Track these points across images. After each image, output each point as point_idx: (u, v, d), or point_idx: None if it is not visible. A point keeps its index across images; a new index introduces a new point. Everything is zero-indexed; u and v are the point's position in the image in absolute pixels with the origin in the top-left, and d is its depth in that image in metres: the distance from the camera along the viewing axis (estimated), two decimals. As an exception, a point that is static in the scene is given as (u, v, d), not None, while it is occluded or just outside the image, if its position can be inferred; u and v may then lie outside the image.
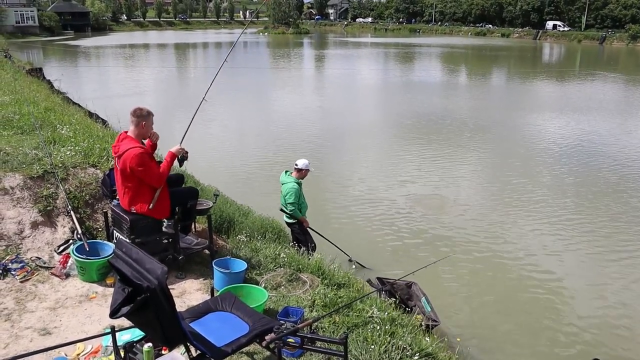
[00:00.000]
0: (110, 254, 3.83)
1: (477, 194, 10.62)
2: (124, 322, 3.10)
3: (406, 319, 4.40)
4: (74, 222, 4.91)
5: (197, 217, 5.21)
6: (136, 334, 3.30)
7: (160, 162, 4.50)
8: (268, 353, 3.44)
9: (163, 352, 3.09)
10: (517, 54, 51.76)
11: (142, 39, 67.04)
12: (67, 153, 5.84)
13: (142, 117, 4.30)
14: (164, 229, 4.65)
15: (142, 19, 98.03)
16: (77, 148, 6.07)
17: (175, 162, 4.59)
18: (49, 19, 72.58)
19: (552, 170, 12.12)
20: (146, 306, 2.47)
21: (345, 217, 9.20)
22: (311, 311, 4.17)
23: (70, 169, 5.52)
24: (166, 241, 4.59)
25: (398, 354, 3.67)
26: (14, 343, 3.58)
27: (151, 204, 4.31)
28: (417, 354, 3.77)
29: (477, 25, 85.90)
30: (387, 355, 3.63)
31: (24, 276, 4.37)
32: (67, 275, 4.48)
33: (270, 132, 15.89)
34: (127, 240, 4.27)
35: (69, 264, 4.52)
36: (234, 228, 5.94)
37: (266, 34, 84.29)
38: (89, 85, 24.90)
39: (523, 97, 24.13)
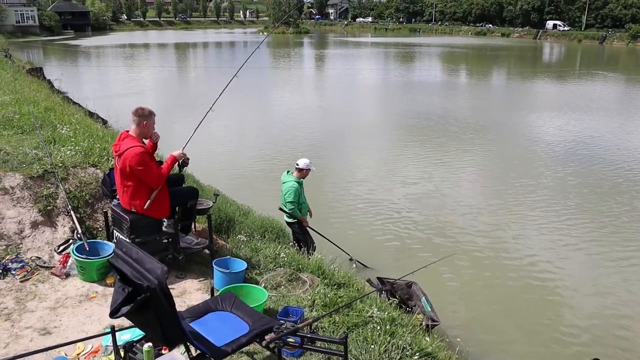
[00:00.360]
0: (110, 254, 3.83)
1: (478, 194, 10.62)
2: (124, 321, 3.10)
3: (406, 318, 4.40)
4: (74, 222, 4.91)
5: (197, 216, 5.21)
6: (136, 333, 3.31)
7: (160, 162, 4.51)
8: (268, 353, 3.44)
9: (163, 351, 3.09)
10: (517, 53, 51.74)
11: (142, 39, 67.04)
12: (67, 153, 5.83)
13: (144, 117, 4.31)
14: (164, 228, 4.65)
15: (142, 19, 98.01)
16: (77, 148, 6.07)
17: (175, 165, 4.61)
18: (49, 18, 72.58)
19: (554, 171, 12.09)
20: (146, 306, 2.47)
21: (345, 217, 9.20)
22: (311, 311, 4.17)
23: (71, 168, 5.52)
24: (166, 241, 4.59)
25: (398, 354, 3.67)
26: (14, 343, 3.58)
27: (146, 204, 4.31)
28: (417, 354, 3.77)
29: (477, 24, 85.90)
30: (387, 355, 3.63)
31: (24, 276, 4.37)
32: (67, 275, 4.48)
33: (270, 132, 15.89)
34: (127, 240, 4.27)
35: (69, 264, 4.52)
36: (234, 228, 5.94)
37: (265, 33, 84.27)
38: (89, 85, 24.90)
39: (524, 97, 24.12)
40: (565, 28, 73.21)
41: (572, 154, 13.63)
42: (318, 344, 3.37)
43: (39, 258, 4.64)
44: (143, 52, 48.42)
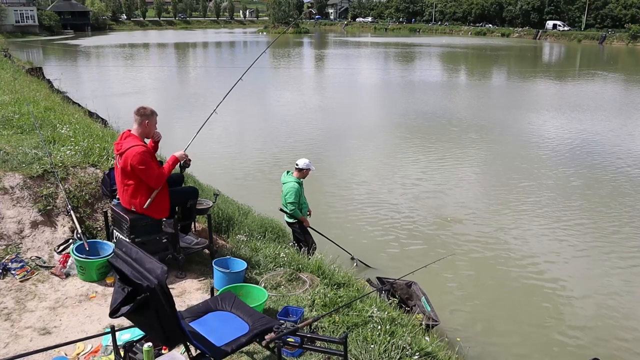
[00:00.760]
0: (110, 254, 3.83)
1: (478, 195, 10.63)
2: (123, 321, 3.10)
3: (406, 318, 4.40)
4: (73, 222, 4.91)
5: (197, 216, 5.21)
6: (136, 333, 3.31)
7: (161, 162, 4.51)
8: (268, 352, 3.44)
9: (163, 351, 3.09)
10: (517, 53, 51.74)
11: (142, 39, 67.04)
12: (67, 152, 5.83)
13: (146, 116, 4.32)
14: (163, 228, 4.65)
15: (142, 19, 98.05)
16: (76, 147, 6.07)
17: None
18: (48, 18, 72.60)
19: (555, 172, 12.06)
20: (146, 306, 2.47)
21: (345, 217, 9.20)
22: (311, 311, 4.17)
23: (70, 168, 5.52)
24: (166, 241, 4.59)
25: (398, 354, 3.67)
26: (13, 342, 3.58)
27: (146, 204, 4.31)
28: (416, 354, 3.77)
29: (477, 24, 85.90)
30: (386, 355, 3.63)
31: (24, 276, 4.37)
32: (67, 275, 4.48)
33: (270, 132, 15.89)
34: (127, 240, 4.27)
35: (68, 264, 4.52)
36: (234, 228, 5.94)
37: (264, 33, 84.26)
38: (89, 85, 24.91)
39: (524, 96, 24.12)
40: (565, 28, 73.23)
41: (574, 154, 13.60)
42: (318, 343, 3.37)
43: (39, 258, 4.64)
44: (143, 52, 48.41)
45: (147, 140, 4.47)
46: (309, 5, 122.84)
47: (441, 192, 10.65)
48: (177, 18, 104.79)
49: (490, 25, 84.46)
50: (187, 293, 4.35)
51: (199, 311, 3.22)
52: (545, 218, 9.32)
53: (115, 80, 27.39)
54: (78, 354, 3.47)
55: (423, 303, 5.81)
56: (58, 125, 7.60)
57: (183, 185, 5.04)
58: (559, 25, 74.09)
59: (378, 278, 6.25)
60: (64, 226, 5.00)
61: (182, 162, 4.62)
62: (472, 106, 21.14)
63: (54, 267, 4.54)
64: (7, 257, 4.51)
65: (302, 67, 37.81)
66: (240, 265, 4.51)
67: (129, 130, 4.38)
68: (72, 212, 4.96)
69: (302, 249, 5.89)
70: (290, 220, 6.59)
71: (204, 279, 4.58)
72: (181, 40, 64.29)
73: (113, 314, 2.58)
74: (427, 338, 4.15)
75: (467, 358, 5.08)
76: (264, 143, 14.38)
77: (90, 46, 52.50)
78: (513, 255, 7.90)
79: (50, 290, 4.27)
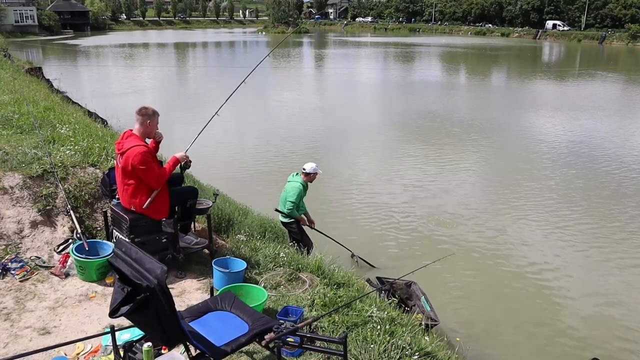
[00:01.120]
0: (110, 254, 3.83)
1: (479, 195, 10.63)
2: (123, 321, 3.10)
3: (406, 318, 4.40)
4: (73, 222, 4.91)
5: (197, 216, 5.21)
6: (136, 333, 3.31)
7: (161, 162, 4.51)
8: (267, 352, 3.44)
9: (163, 351, 3.09)
10: (517, 53, 51.75)
11: (141, 39, 67.02)
12: (67, 152, 5.83)
13: (148, 116, 4.32)
14: (163, 228, 4.65)
15: (141, 18, 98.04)
16: (76, 147, 6.06)
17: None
18: (48, 18, 72.56)
19: (556, 173, 12.02)
20: (146, 305, 2.47)
21: (345, 217, 9.20)
22: (311, 310, 4.17)
23: (70, 168, 5.51)
24: (166, 240, 4.59)
25: (397, 353, 3.67)
26: (13, 342, 3.58)
27: (145, 204, 4.31)
28: (416, 353, 3.77)
29: (477, 24, 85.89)
30: (386, 355, 3.63)
31: (24, 275, 4.37)
32: (67, 275, 4.47)
33: (270, 132, 15.89)
34: (127, 240, 4.26)
35: (68, 264, 4.52)
36: (234, 227, 5.94)
37: (263, 33, 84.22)
38: (89, 85, 24.89)
39: (525, 96, 24.12)
40: (565, 28, 73.23)
41: (576, 155, 13.54)
42: (317, 343, 3.37)
43: (39, 258, 4.64)
44: (142, 52, 48.40)
45: (149, 141, 4.47)
46: (309, 5, 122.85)
47: (441, 192, 10.65)
48: (176, 18, 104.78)
49: (490, 25, 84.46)
50: (187, 293, 4.35)
51: (198, 311, 3.22)
52: (545, 218, 9.32)
53: (114, 80, 27.38)
54: (78, 354, 3.46)
55: (423, 303, 5.81)
56: (57, 125, 7.60)
57: (183, 185, 5.05)
58: (559, 25, 74.10)
59: (378, 278, 6.25)
60: (63, 226, 5.00)
61: (182, 163, 4.63)
62: (473, 106, 21.15)
63: (53, 267, 4.54)
64: (6, 257, 4.50)
65: (302, 67, 37.81)
66: (240, 265, 4.51)
67: (131, 130, 4.39)
68: (71, 212, 4.95)
69: (303, 249, 5.89)
70: (286, 220, 6.57)
71: (203, 279, 4.58)
72: (181, 40, 64.27)
73: (113, 313, 2.58)
74: (426, 338, 4.15)
75: (466, 358, 5.08)
76: (263, 143, 14.38)
77: (90, 46, 52.48)
78: (513, 255, 7.90)
79: (50, 290, 4.27)
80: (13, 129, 7.07)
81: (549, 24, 75.25)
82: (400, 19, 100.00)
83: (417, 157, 13.25)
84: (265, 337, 3.06)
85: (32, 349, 3.34)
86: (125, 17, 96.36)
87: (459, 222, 9.07)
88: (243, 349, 3.23)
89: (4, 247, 4.64)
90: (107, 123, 11.92)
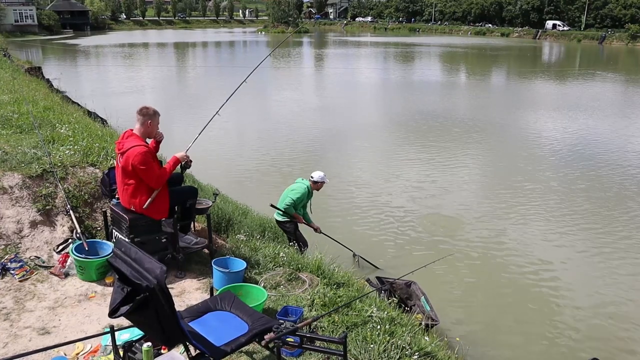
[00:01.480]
0: (110, 254, 3.82)
1: (479, 195, 10.62)
2: (123, 321, 3.09)
3: (405, 318, 4.40)
4: (73, 222, 4.90)
5: (197, 216, 5.20)
6: (135, 333, 3.30)
7: (161, 162, 4.50)
8: (267, 352, 3.44)
9: (162, 351, 3.09)
10: (517, 53, 51.75)
11: (141, 38, 67.01)
12: (66, 152, 5.83)
13: (149, 116, 4.32)
14: (163, 228, 4.65)
15: (141, 18, 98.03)
16: (76, 147, 6.06)
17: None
18: (48, 17, 72.52)
19: (559, 173, 11.96)
20: (145, 305, 2.46)
21: (345, 217, 9.20)
22: (310, 310, 4.17)
23: (69, 168, 5.51)
24: (165, 240, 4.59)
25: (397, 353, 3.66)
26: (12, 342, 3.57)
27: (145, 204, 4.31)
28: (416, 353, 3.77)
29: (477, 24, 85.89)
30: (386, 355, 3.63)
31: (23, 275, 4.36)
32: (66, 275, 4.47)
33: (270, 131, 15.89)
34: (126, 240, 4.26)
35: (68, 263, 4.52)
36: (233, 227, 5.94)
37: (263, 33, 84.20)
38: (88, 84, 24.88)
39: (525, 97, 24.09)
40: (565, 28, 73.22)
41: (578, 156, 13.45)
42: (317, 343, 3.37)
43: (38, 257, 4.64)
44: (142, 52, 48.38)
45: (149, 140, 4.46)
46: (309, 4, 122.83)
47: (441, 192, 10.65)
48: (176, 18, 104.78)
49: (490, 25, 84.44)
50: (187, 293, 4.35)
51: (198, 311, 3.21)
52: (545, 219, 9.32)
53: (114, 80, 27.37)
54: (77, 354, 3.46)
55: (422, 303, 5.81)
56: (57, 124, 7.60)
57: (182, 184, 5.04)
58: (559, 25, 74.09)
59: (377, 278, 6.25)
60: (63, 226, 5.00)
61: (183, 162, 4.62)
62: (473, 106, 21.14)
63: (53, 266, 4.54)
64: (6, 257, 4.50)
65: (302, 67, 37.79)
66: (240, 265, 4.50)
67: (131, 130, 4.39)
68: (71, 211, 4.95)
69: (303, 249, 5.89)
70: (281, 219, 6.54)
71: (203, 279, 4.58)
72: (181, 40, 64.24)
73: (112, 313, 2.58)
74: (426, 338, 4.14)
75: (466, 358, 5.08)
76: (263, 143, 14.37)
77: (90, 46, 52.45)
78: (513, 255, 7.90)
79: (50, 290, 4.27)
80: (12, 129, 7.07)
81: (549, 24, 75.24)
82: (400, 18, 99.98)
83: (417, 156, 13.24)
84: (265, 337, 3.06)
85: (31, 349, 3.34)
86: (125, 16, 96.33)
87: (459, 222, 9.07)
88: (243, 349, 3.23)
89: (3, 246, 4.63)
90: (106, 123, 11.90)
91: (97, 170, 5.60)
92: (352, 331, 3.88)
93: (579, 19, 73.42)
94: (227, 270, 4.39)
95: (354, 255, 7.25)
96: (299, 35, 78.90)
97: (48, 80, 19.11)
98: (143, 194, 4.32)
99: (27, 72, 18.37)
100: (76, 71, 31.57)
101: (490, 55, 48.04)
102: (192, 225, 5.15)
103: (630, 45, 60.14)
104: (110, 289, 4.08)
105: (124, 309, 2.52)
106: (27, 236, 4.81)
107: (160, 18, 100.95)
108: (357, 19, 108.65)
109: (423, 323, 4.98)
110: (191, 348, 2.81)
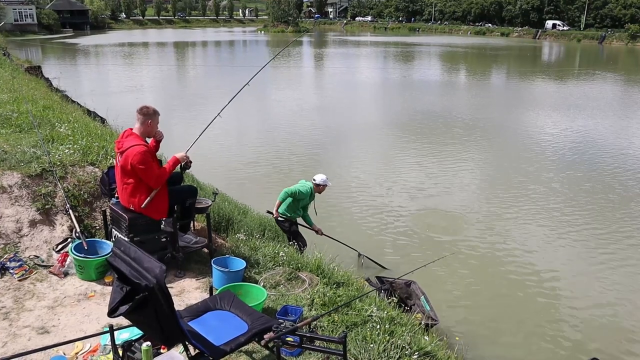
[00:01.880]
0: (109, 253, 3.82)
1: (480, 195, 10.61)
2: (122, 320, 3.09)
3: (405, 317, 4.40)
4: (72, 221, 4.90)
5: (196, 215, 5.20)
6: (135, 332, 3.29)
7: (161, 162, 4.50)
8: (267, 352, 3.44)
9: (162, 350, 3.09)
10: (517, 53, 51.74)
11: (141, 38, 66.94)
12: (66, 151, 5.82)
13: (149, 116, 4.32)
14: (162, 227, 4.64)
15: (141, 17, 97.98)
16: (75, 146, 6.06)
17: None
18: (47, 17, 72.44)
19: (560, 174, 11.93)
20: (145, 305, 2.46)
21: (345, 216, 9.20)
22: (310, 310, 4.16)
23: (69, 167, 5.50)
24: (165, 239, 4.58)
25: (397, 353, 3.66)
26: (12, 342, 3.57)
27: (144, 203, 4.31)
28: (416, 353, 3.76)
29: (477, 24, 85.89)
30: (386, 354, 3.63)
31: (22, 275, 4.36)
32: (66, 274, 4.47)
33: (269, 132, 15.87)
34: (126, 239, 4.26)
35: (67, 263, 4.51)
36: (233, 226, 5.93)
37: (263, 32, 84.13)
38: (88, 84, 24.87)
39: (526, 97, 24.08)
40: (565, 28, 73.23)
41: (579, 156, 13.43)
42: (317, 343, 3.37)
43: (37, 257, 4.63)
44: (142, 51, 48.34)
45: (149, 140, 4.46)
46: (309, 4, 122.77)
47: (442, 192, 10.64)
48: (176, 17, 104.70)
49: (490, 24, 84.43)
50: (186, 292, 4.34)
51: (197, 310, 3.21)
52: (546, 219, 9.31)
53: (114, 79, 27.35)
54: (76, 353, 3.46)
55: (422, 302, 5.81)
56: (57, 123, 7.59)
57: (182, 184, 5.04)
58: (559, 25, 74.09)
59: (377, 277, 6.25)
60: (62, 225, 4.99)
61: (182, 163, 4.62)
62: (473, 106, 21.12)
63: (52, 266, 4.53)
64: (5, 256, 4.50)
65: (302, 66, 37.78)
66: (239, 264, 4.50)
67: (131, 129, 4.38)
68: (70, 211, 4.95)
69: (303, 249, 5.89)
70: (280, 219, 6.57)
71: (202, 278, 4.57)
72: (180, 39, 64.18)
73: (111, 313, 2.57)
74: (426, 337, 4.14)
75: (466, 357, 5.08)
76: (263, 142, 14.36)
77: (89, 45, 52.41)
78: (513, 255, 7.89)
79: (49, 289, 4.26)
80: (12, 128, 7.06)
81: (549, 23, 75.25)
82: (400, 18, 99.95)
83: (417, 156, 13.23)
84: (265, 336, 3.05)
85: (30, 349, 3.34)
86: (124, 16, 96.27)
87: (459, 222, 9.07)
88: (242, 348, 3.23)
89: (2, 246, 4.63)
90: (106, 122, 11.89)
91: (97, 170, 5.59)
92: (351, 331, 3.87)
93: (578, 18, 73.43)
94: (227, 270, 4.38)
95: (359, 255, 7.24)
96: (299, 34, 78.85)
97: (47, 80, 19.09)
98: (142, 193, 4.32)
99: (26, 71, 18.35)
100: (76, 70, 31.55)
101: (490, 55, 48.03)
102: (191, 225, 5.14)
103: (630, 45, 60.15)
104: (110, 289, 4.07)
105: (123, 308, 2.52)
106: (27, 235, 4.80)
107: (160, 17, 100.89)
108: (356, 18, 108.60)
109: (423, 322, 4.98)
110: (190, 347, 2.80)
